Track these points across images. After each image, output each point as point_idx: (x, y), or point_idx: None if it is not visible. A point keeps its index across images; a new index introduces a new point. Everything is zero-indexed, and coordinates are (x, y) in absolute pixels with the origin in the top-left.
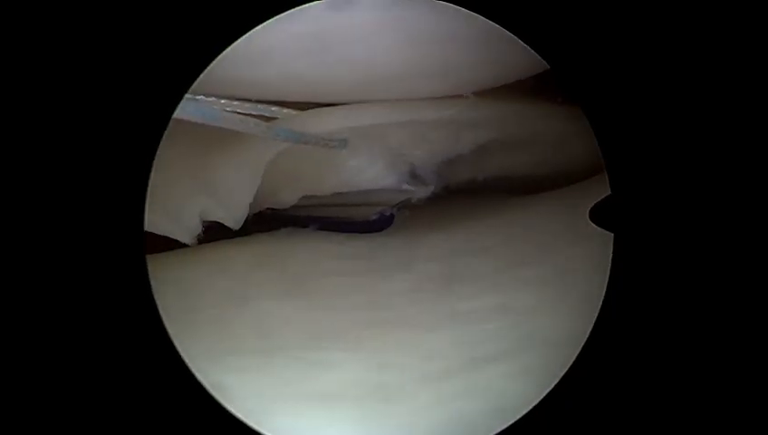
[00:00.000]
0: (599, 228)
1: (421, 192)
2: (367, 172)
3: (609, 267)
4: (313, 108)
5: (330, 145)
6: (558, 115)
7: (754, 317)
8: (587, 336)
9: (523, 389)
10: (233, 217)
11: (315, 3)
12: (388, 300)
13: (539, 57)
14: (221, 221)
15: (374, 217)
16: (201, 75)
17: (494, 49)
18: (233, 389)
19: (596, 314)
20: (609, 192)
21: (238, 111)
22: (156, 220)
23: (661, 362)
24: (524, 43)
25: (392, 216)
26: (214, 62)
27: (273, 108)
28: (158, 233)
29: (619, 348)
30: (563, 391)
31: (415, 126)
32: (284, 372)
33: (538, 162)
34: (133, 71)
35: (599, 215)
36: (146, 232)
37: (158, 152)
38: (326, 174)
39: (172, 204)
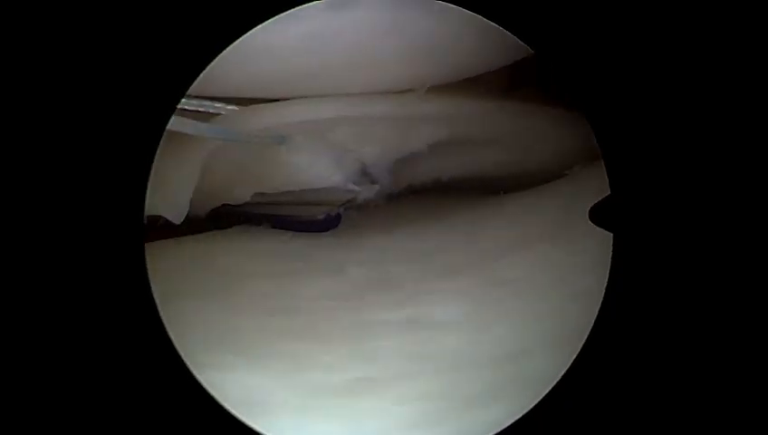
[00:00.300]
0: (552, 236)
1: (367, 192)
2: (310, 169)
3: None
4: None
5: (264, 142)
6: (526, 114)
7: (755, 319)
8: (586, 336)
9: (414, 415)
10: (175, 212)
11: (315, 3)
12: (304, 305)
13: (523, 44)
14: (164, 216)
15: (321, 217)
16: (202, 74)
17: (480, 35)
18: None
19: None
20: (609, 192)
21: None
22: None
23: (660, 364)
24: (524, 44)
25: (339, 215)
26: (214, 62)
27: (218, 104)
28: None
29: (615, 353)
30: (563, 392)
31: (360, 122)
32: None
33: (500, 162)
34: (134, 69)
35: (596, 214)
36: None
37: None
38: (272, 171)
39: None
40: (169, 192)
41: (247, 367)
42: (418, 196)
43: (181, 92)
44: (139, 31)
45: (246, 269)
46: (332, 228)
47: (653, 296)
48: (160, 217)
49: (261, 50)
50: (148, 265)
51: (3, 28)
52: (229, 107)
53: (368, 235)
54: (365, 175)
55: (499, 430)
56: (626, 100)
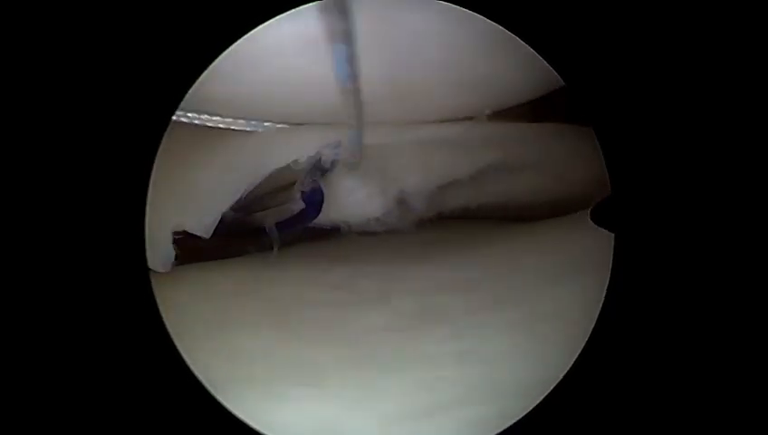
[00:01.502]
0: (594, 263)
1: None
2: (350, 196)
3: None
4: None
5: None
6: (562, 139)
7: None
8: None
9: None
10: (203, 225)
11: (315, 3)
12: (361, 337)
13: (555, 73)
14: (191, 231)
15: (299, 195)
16: (202, 76)
17: (508, 59)
18: None
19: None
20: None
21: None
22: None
23: (662, 364)
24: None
25: (319, 188)
26: (214, 63)
27: (267, 123)
28: None
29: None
30: (563, 392)
31: (417, 148)
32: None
33: (536, 189)
34: (131, 73)
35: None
36: None
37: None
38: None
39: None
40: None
41: (320, 398)
42: (449, 223)
43: (179, 96)
44: (134, 32)
45: (294, 298)
46: (320, 206)
47: (654, 297)
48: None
49: (261, 51)
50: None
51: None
52: (279, 125)
53: (404, 264)
54: (401, 203)
55: (499, 430)
56: (625, 99)
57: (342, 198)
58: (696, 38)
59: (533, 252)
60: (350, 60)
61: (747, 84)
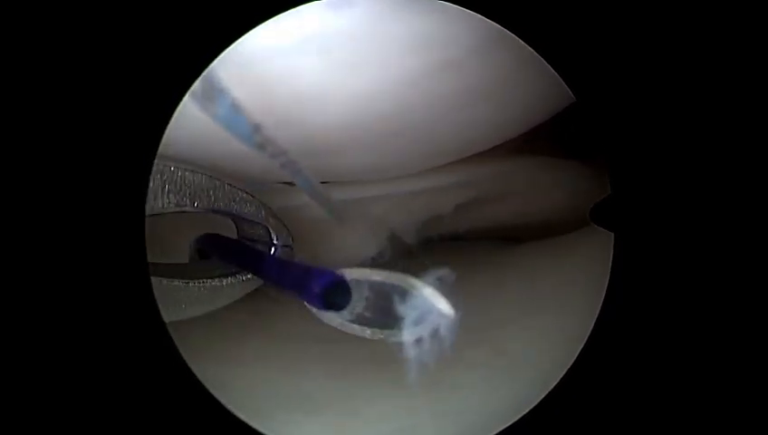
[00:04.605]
0: (578, 288)
1: None
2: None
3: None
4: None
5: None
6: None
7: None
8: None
9: None
10: None
11: (315, 2)
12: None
13: (567, 89)
14: None
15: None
16: (201, 76)
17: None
18: None
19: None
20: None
21: None
22: None
23: (662, 365)
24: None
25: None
26: (214, 63)
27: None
28: None
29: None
30: (562, 393)
31: (400, 198)
32: None
33: (524, 212)
34: (131, 70)
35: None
36: None
37: None
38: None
39: None
40: None
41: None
42: (442, 246)
43: (178, 95)
44: (130, 30)
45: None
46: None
47: (654, 297)
48: None
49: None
50: None
51: None
52: None
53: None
54: (393, 240)
55: (499, 429)
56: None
57: (337, 243)
58: (696, 38)
59: (522, 276)
60: (238, 108)
61: (743, 80)
